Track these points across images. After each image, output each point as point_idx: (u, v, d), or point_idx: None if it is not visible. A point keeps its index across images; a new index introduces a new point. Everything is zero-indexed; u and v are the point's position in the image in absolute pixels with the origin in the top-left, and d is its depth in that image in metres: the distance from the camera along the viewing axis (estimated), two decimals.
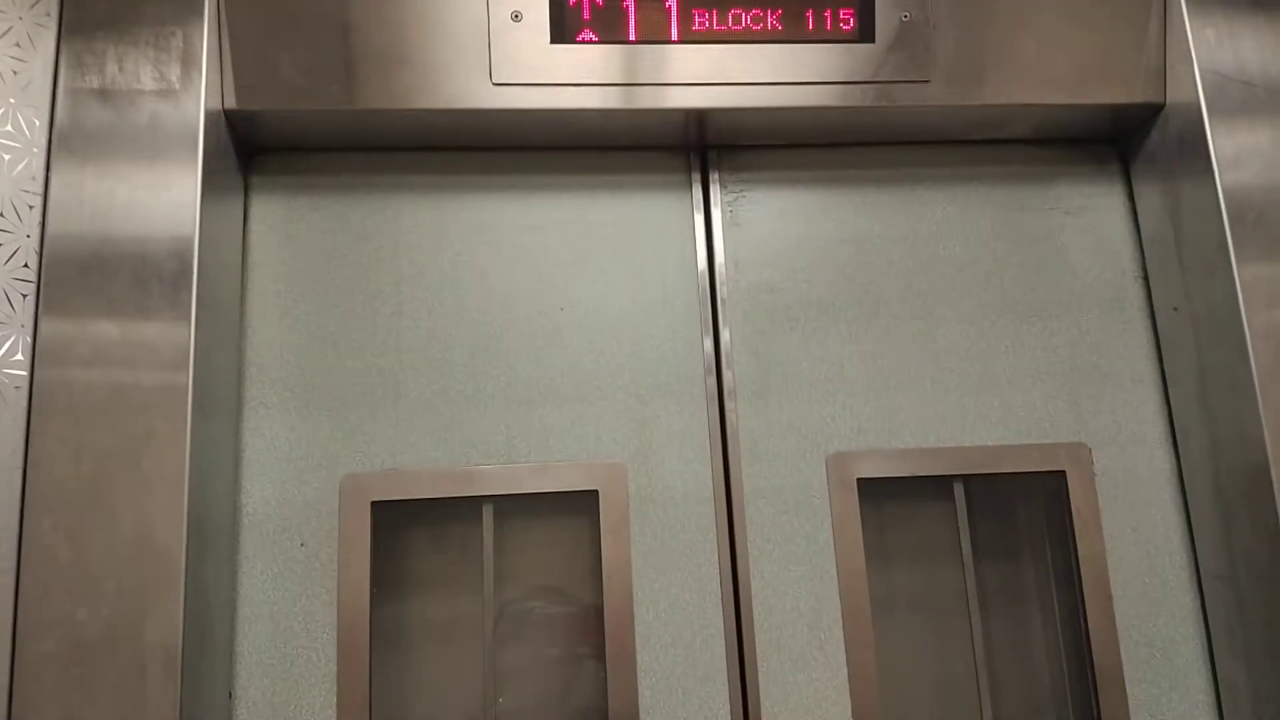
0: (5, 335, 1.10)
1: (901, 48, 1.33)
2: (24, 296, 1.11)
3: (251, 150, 1.36)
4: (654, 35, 1.31)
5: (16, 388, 1.09)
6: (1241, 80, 1.32)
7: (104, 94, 1.17)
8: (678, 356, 1.36)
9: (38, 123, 1.16)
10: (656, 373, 1.35)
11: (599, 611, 1.27)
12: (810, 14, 1.33)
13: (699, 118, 1.35)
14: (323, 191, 1.37)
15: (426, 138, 1.37)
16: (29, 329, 1.10)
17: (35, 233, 1.13)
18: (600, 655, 1.26)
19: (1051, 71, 1.35)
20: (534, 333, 1.35)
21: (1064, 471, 1.35)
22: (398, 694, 1.27)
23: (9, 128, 1.15)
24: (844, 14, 1.33)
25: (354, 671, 1.21)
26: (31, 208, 1.13)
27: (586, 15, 1.30)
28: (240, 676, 1.21)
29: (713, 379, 1.35)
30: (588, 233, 1.39)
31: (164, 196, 1.15)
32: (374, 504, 1.26)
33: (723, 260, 1.40)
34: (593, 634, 1.28)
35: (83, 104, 1.17)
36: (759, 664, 1.26)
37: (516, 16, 1.29)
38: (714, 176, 1.43)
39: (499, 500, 1.30)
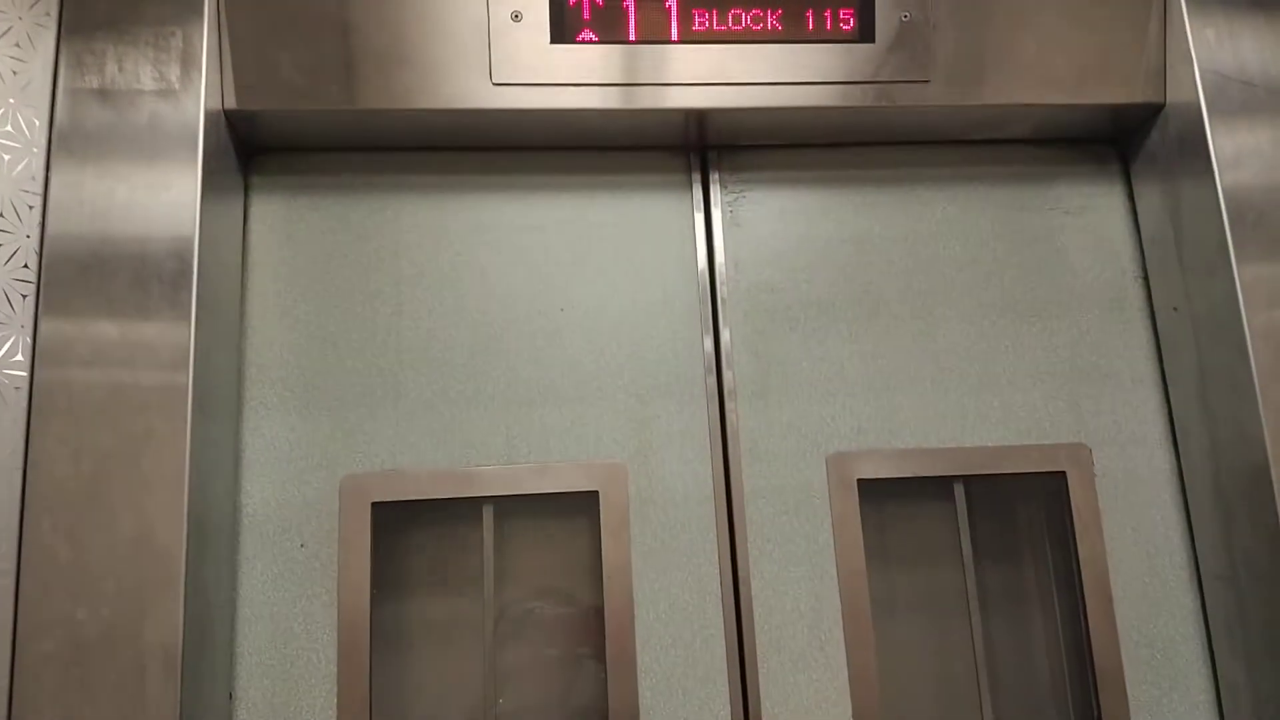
0: (5, 335, 1.10)
1: (901, 48, 1.33)
2: (24, 297, 1.11)
3: (251, 150, 1.36)
4: (654, 35, 1.30)
5: (16, 388, 1.09)
6: (1241, 80, 1.32)
7: (104, 94, 1.17)
8: (678, 357, 1.35)
9: (37, 123, 1.16)
10: (657, 373, 1.35)
11: (599, 612, 1.26)
12: (810, 14, 1.33)
13: (699, 118, 1.35)
14: (323, 191, 1.37)
15: (426, 138, 1.37)
16: (29, 329, 1.10)
17: (35, 233, 1.13)
18: (600, 656, 1.26)
19: (1051, 71, 1.35)
20: (534, 333, 1.35)
21: (1064, 472, 1.35)
22: (398, 695, 1.27)
23: (9, 128, 1.15)
24: (844, 14, 1.33)
25: (354, 672, 1.21)
26: (31, 208, 1.13)
27: (586, 15, 1.30)
28: (240, 677, 1.20)
29: (713, 379, 1.35)
30: (588, 233, 1.39)
31: (164, 196, 1.15)
32: (374, 505, 1.26)
33: (723, 260, 1.40)
34: (593, 635, 1.28)
35: (82, 104, 1.17)
36: (759, 664, 1.26)
37: (516, 16, 1.29)
38: (714, 176, 1.43)
39: (499, 501, 1.30)
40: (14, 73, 1.16)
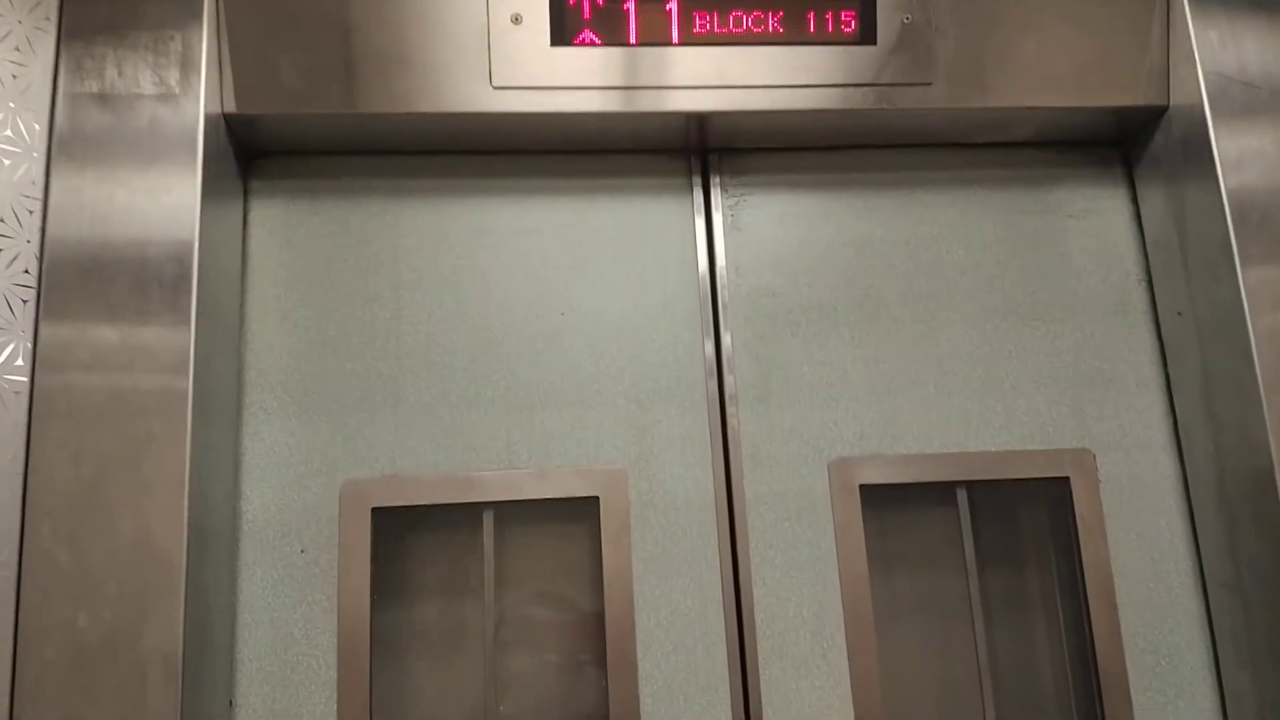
0: (6, 341, 1.10)
1: (903, 50, 1.33)
2: (24, 302, 1.11)
3: (251, 154, 1.36)
4: (655, 38, 1.30)
5: (17, 393, 1.09)
6: (1244, 82, 1.32)
7: (103, 98, 1.17)
8: (678, 361, 1.35)
9: (37, 127, 1.16)
10: (657, 377, 1.34)
11: (600, 618, 1.26)
12: (811, 16, 1.32)
13: (700, 121, 1.35)
14: (322, 195, 1.37)
15: (426, 141, 1.36)
16: (29, 334, 1.10)
17: (35, 238, 1.13)
18: (601, 662, 1.25)
19: (1054, 74, 1.35)
20: (534, 337, 1.35)
21: (1068, 477, 1.34)
22: (398, 701, 1.27)
23: (9, 132, 1.15)
24: (845, 16, 1.33)
25: (354, 678, 1.20)
26: (31, 212, 1.13)
27: (587, 17, 1.30)
28: (240, 683, 1.20)
29: (714, 383, 1.35)
30: (588, 236, 1.39)
31: (164, 200, 1.15)
32: (374, 510, 1.25)
33: (723, 264, 1.40)
34: (594, 640, 1.28)
35: (82, 108, 1.16)
36: (761, 671, 1.25)
37: (517, 19, 1.29)
38: (715, 180, 1.43)
39: (499, 506, 1.30)
40: (14, 77, 1.16)
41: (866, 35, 1.33)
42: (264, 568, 1.24)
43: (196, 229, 1.14)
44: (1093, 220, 1.46)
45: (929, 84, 1.33)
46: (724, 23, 1.31)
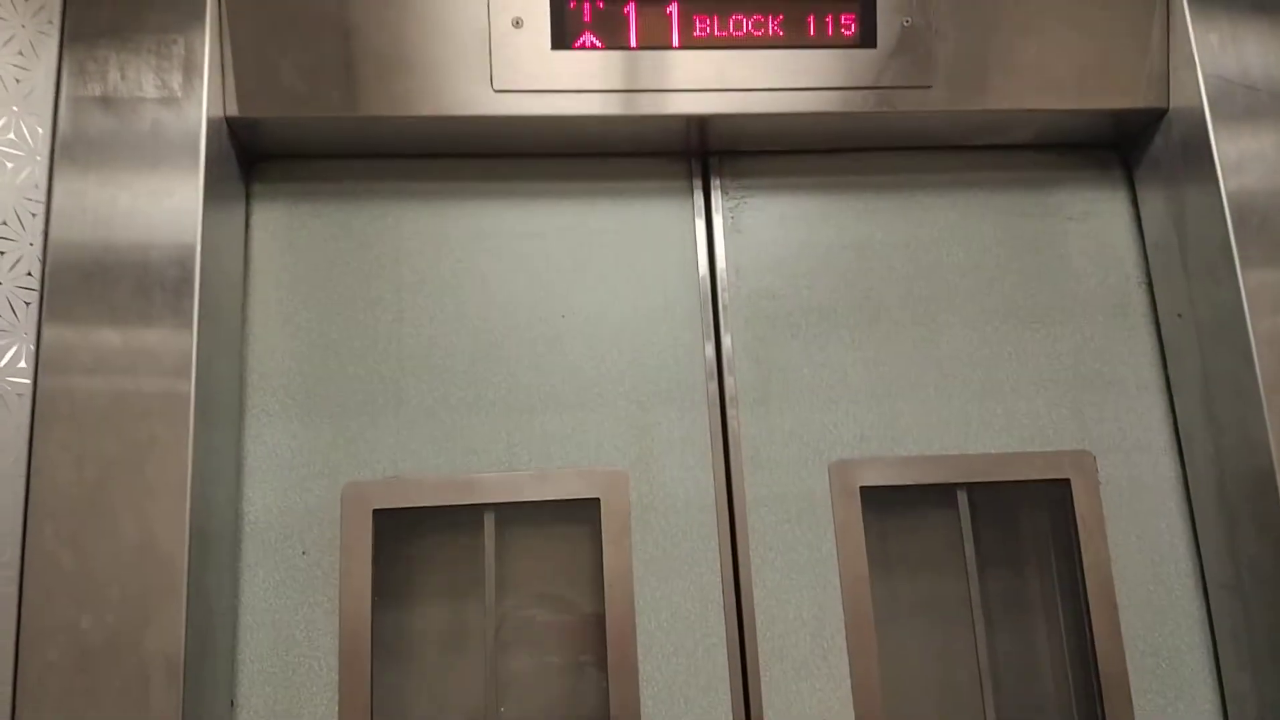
0: (9, 343, 1.10)
1: (903, 53, 1.33)
2: (27, 304, 1.12)
3: (253, 157, 1.36)
4: (655, 41, 1.30)
5: (19, 395, 1.09)
6: (1245, 85, 1.32)
7: (106, 101, 1.18)
8: (679, 363, 1.35)
9: (40, 131, 1.16)
10: (658, 380, 1.35)
11: (600, 620, 1.26)
12: (811, 19, 1.33)
13: (700, 124, 1.35)
14: (324, 198, 1.38)
15: (428, 144, 1.37)
16: (32, 337, 1.11)
17: (38, 241, 1.13)
18: (602, 664, 1.25)
19: (1053, 76, 1.35)
20: (535, 340, 1.35)
21: (1068, 479, 1.34)
22: (399, 702, 1.27)
23: (11, 136, 1.15)
24: (845, 19, 1.33)
25: (356, 680, 1.21)
26: (34, 215, 1.14)
27: (587, 21, 1.30)
28: (242, 685, 1.20)
29: (714, 385, 1.35)
30: (589, 239, 1.39)
31: (166, 204, 1.15)
32: (375, 512, 1.26)
33: (724, 266, 1.40)
34: (594, 642, 1.28)
35: (85, 112, 1.17)
36: (761, 673, 1.25)
37: (518, 23, 1.29)
38: (715, 182, 1.43)
39: (500, 508, 1.30)
40: (17, 80, 1.17)
41: (866, 38, 1.33)
42: (266, 569, 1.24)
43: (199, 232, 1.14)
44: (1093, 223, 1.46)
45: (929, 87, 1.33)
46: (724, 26, 1.31)
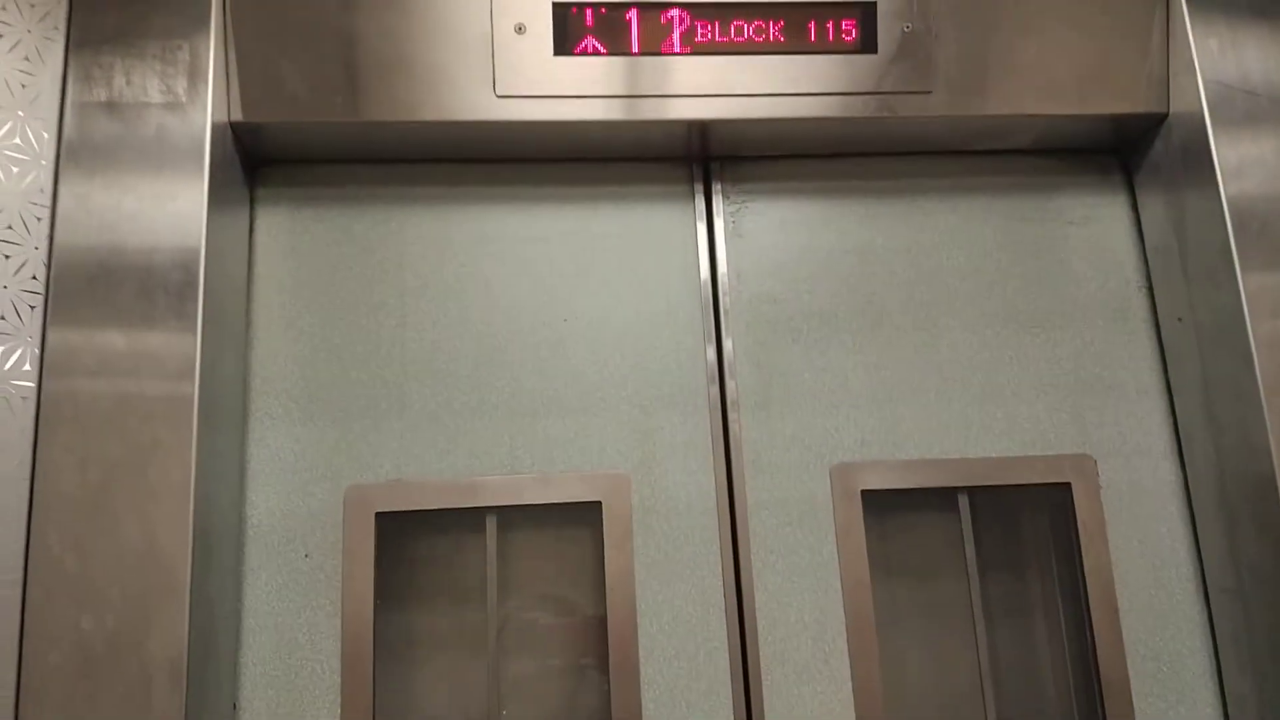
0: (13, 346, 1.11)
1: (903, 58, 1.34)
2: (32, 308, 1.12)
3: (257, 162, 1.37)
4: (657, 47, 1.31)
5: (24, 398, 1.09)
6: (1245, 90, 1.32)
7: (111, 107, 1.18)
8: (681, 367, 1.36)
9: (46, 135, 1.17)
10: (660, 384, 1.35)
11: (602, 623, 1.26)
12: (812, 25, 1.33)
13: (701, 129, 1.35)
14: (327, 203, 1.38)
15: (431, 149, 1.37)
16: (36, 340, 1.11)
17: (43, 244, 1.14)
18: (604, 667, 1.26)
19: (1054, 82, 1.35)
20: (538, 344, 1.35)
21: (1069, 483, 1.35)
22: (402, 704, 1.27)
23: (17, 140, 1.16)
24: (846, 25, 1.34)
25: (358, 682, 1.21)
26: (40, 219, 1.14)
27: (590, 26, 1.31)
28: (245, 688, 1.21)
29: (716, 390, 1.35)
30: (591, 244, 1.40)
31: (170, 208, 1.16)
32: (378, 515, 1.26)
33: (725, 271, 1.40)
34: (596, 645, 1.28)
35: (90, 117, 1.18)
36: (763, 677, 1.26)
37: (520, 29, 1.30)
38: (716, 187, 1.44)
39: (502, 511, 1.31)
40: (23, 85, 1.17)
41: (867, 44, 1.33)
42: (268, 573, 1.24)
43: (203, 236, 1.15)
44: (1093, 227, 1.46)
45: (929, 92, 1.34)
46: (725, 32, 1.32)
